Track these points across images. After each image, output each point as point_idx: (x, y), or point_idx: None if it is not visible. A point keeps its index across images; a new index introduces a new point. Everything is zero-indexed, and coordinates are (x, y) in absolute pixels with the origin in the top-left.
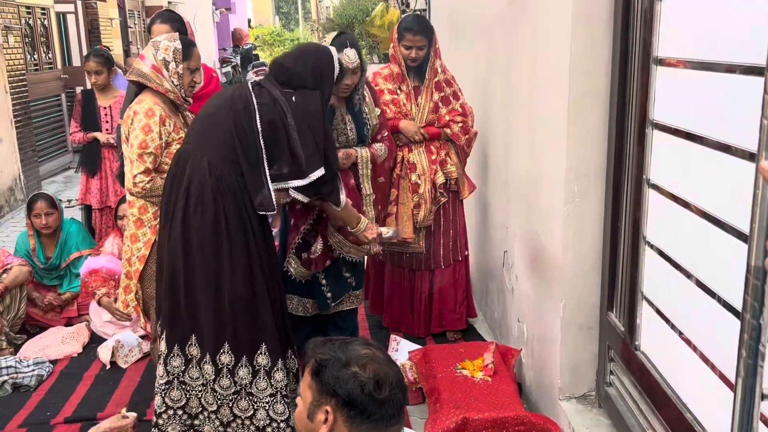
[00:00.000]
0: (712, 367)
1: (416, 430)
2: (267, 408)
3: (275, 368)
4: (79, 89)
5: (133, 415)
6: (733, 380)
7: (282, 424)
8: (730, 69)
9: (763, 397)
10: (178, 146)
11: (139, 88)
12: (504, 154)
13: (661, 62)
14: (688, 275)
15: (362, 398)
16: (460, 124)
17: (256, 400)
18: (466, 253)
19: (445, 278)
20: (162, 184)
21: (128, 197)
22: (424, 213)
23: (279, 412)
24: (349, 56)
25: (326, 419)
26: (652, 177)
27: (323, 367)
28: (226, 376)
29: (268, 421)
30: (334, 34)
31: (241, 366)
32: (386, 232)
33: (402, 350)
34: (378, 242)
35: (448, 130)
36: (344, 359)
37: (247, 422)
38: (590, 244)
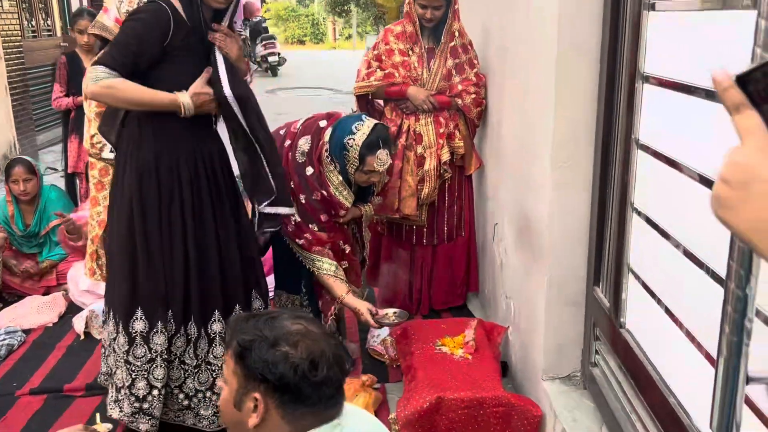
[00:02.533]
0: (698, 347)
1: (393, 409)
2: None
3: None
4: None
5: (105, 427)
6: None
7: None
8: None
9: (748, 380)
10: None
11: (103, 42)
12: (497, 124)
13: (653, 7)
14: (677, 244)
15: (296, 381)
16: (473, 96)
17: (215, 368)
18: (471, 229)
19: (447, 254)
20: None
21: (89, 159)
22: (428, 190)
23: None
24: (381, 159)
25: (256, 407)
26: (642, 137)
27: (247, 350)
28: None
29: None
30: (366, 125)
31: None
32: (390, 316)
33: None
34: (376, 325)
35: (459, 101)
36: (271, 338)
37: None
38: (577, 214)
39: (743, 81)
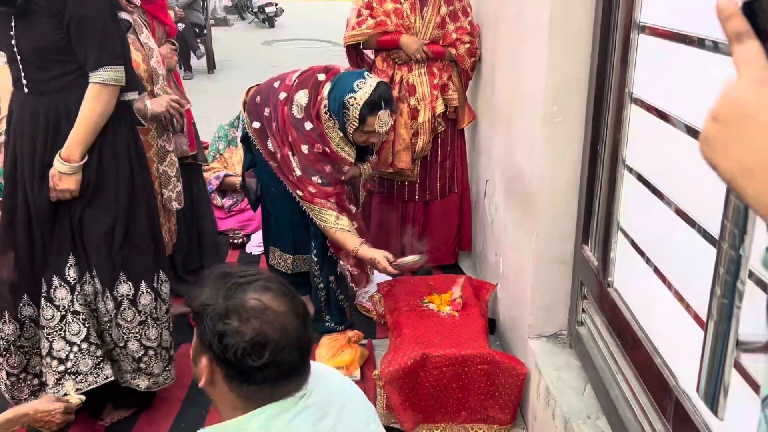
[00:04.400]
0: (687, 308)
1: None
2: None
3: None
4: None
5: (77, 399)
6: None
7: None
8: None
9: (738, 343)
10: None
11: None
12: (490, 76)
13: None
14: (669, 203)
15: (237, 360)
16: (468, 45)
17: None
18: (463, 185)
19: (439, 211)
20: None
21: None
22: (423, 143)
23: (152, 337)
24: (383, 120)
25: (207, 369)
26: (636, 90)
27: (199, 314)
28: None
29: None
30: (368, 83)
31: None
32: (407, 261)
33: (374, 281)
34: (399, 269)
35: (453, 51)
36: (223, 309)
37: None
38: (568, 170)
39: (750, 10)
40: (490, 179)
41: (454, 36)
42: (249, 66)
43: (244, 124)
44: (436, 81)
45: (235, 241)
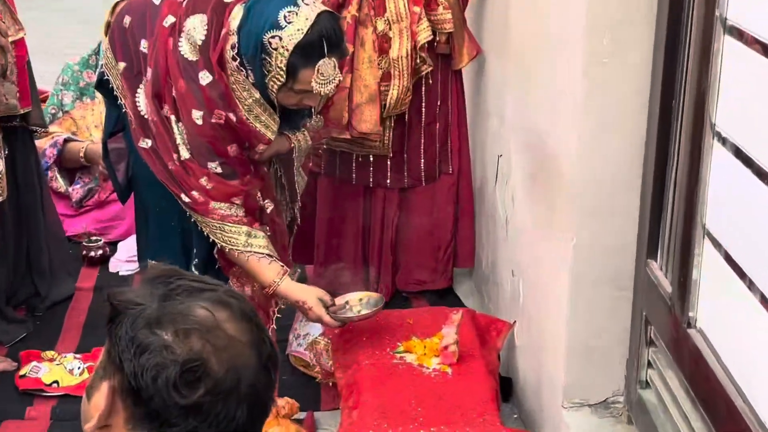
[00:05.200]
0: None
1: None
2: None
3: None
4: None
5: None
6: None
7: None
8: None
9: None
10: None
11: None
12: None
13: None
14: None
15: (154, 391)
16: None
17: None
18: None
19: (424, 204)
20: None
21: None
22: (398, 92)
23: None
24: (325, 75)
25: (106, 400)
26: (731, 13)
27: (118, 317)
28: None
29: None
30: (302, 13)
31: None
32: (354, 304)
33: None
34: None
35: None
36: (157, 312)
37: None
38: (624, 143)
39: None
40: (504, 154)
41: None
42: None
43: (102, 62)
44: None
45: (92, 253)
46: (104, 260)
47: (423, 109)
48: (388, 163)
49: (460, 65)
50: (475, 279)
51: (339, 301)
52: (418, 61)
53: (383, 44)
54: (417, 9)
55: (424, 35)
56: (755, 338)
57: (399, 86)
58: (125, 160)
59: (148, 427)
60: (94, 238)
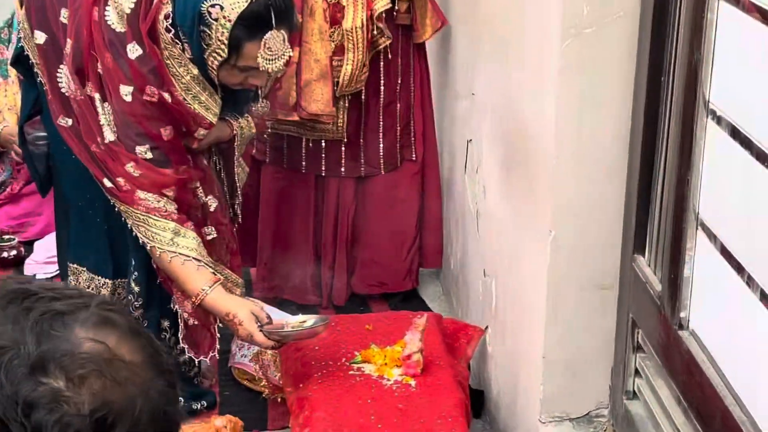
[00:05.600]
0: None
1: None
2: None
3: None
4: None
5: None
6: None
7: None
8: None
9: None
10: None
11: None
12: None
13: None
14: None
15: None
16: None
17: None
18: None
19: (384, 195)
20: None
21: None
22: (353, 67)
23: None
24: (273, 50)
25: None
26: None
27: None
28: None
29: None
30: None
31: None
32: (292, 324)
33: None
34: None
35: None
36: (36, 357)
37: None
38: (608, 124)
39: None
40: (474, 139)
41: None
42: None
43: (19, 35)
44: None
45: (4, 254)
46: (18, 262)
47: (381, 88)
48: (343, 148)
49: (423, 38)
50: (442, 280)
51: (277, 320)
52: (375, 32)
53: (335, 14)
54: None
55: (382, 3)
56: (754, 340)
57: (354, 61)
58: (45, 148)
59: None
60: (6, 237)
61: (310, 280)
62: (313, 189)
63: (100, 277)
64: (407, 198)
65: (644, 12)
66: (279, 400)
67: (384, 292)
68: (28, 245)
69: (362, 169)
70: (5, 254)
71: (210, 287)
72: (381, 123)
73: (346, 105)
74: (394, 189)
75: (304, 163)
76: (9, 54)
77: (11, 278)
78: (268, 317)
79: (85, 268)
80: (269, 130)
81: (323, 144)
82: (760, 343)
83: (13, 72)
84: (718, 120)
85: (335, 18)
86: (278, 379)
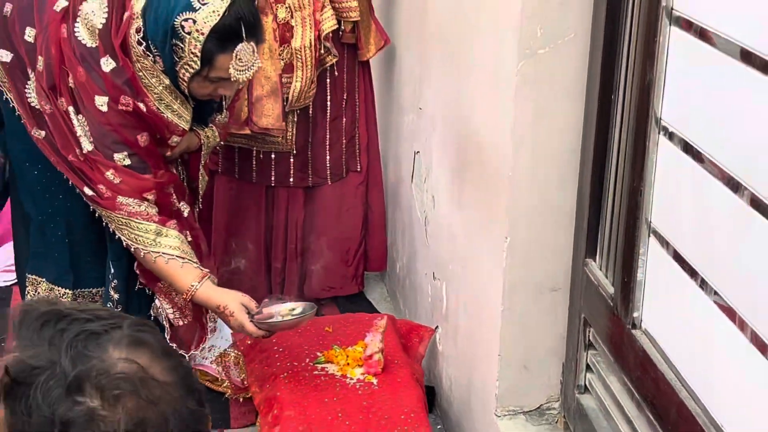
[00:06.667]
0: None
1: None
2: None
3: None
4: None
5: None
6: None
7: None
8: None
9: None
10: None
11: None
12: None
13: None
14: (736, 187)
15: None
16: None
17: None
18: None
19: (331, 204)
20: None
21: None
22: (302, 84)
23: None
24: (243, 61)
25: None
26: (678, 4)
27: (22, 385)
28: None
29: None
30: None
31: None
32: (283, 313)
33: (224, 329)
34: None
35: None
36: (73, 377)
37: None
38: (561, 137)
39: None
40: (422, 150)
41: None
42: None
43: None
44: None
45: None
46: None
47: (328, 103)
48: (291, 160)
49: (368, 56)
50: (387, 283)
51: (267, 309)
52: (322, 51)
53: (285, 33)
54: None
55: (329, 24)
56: (708, 338)
57: (302, 78)
58: (2, 162)
59: None
60: None
61: (263, 285)
62: (264, 198)
63: (60, 288)
64: (352, 206)
65: (595, 34)
66: (241, 400)
67: (333, 296)
68: None
69: (310, 179)
70: None
71: (199, 282)
72: (328, 136)
73: (295, 119)
74: (340, 198)
75: (254, 173)
76: None
77: (42, 300)
78: (258, 307)
79: (44, 279)
80: (219, 146)
81: (273, 156)
82: (713, 340)
83: None
84: (670, 136)
85: (284, 37)
86: (241, 380)
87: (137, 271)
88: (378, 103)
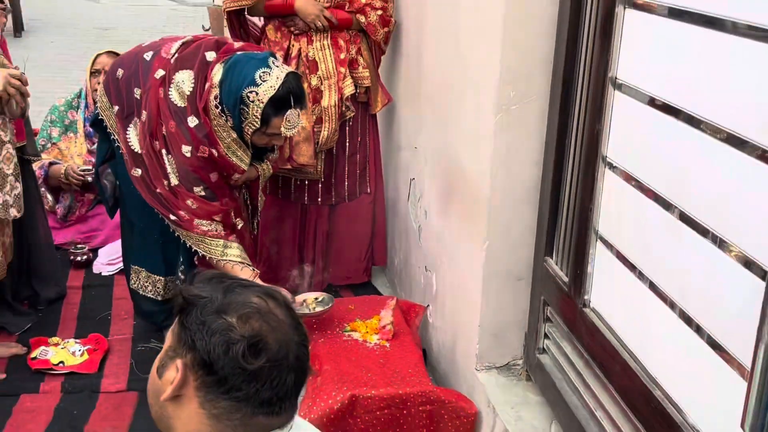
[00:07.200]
0: (698, 330)
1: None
2: None
3: None
4: None
5: None
6: (725, 345)
7: None
8: None
9: None
10: None
11: None
12: (414, 50)
13: None
14: (668, 206)
15: (225, 362)
16: (380, 12)
17: None
18: (377, 185)
19: (348, 216)
20: None
21: None
22: (328, 132)
23: None
24: (291, 122)
25: (174, 379)
26: (621, 75)
27: (192, 306)
28: None
29: None
30: (274, 74)
31: None
32: (310, 302)
33: None
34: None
35: (362, 18)
36: (221, 303)
37: None
38: (527, 169)
39: None
40: (417, 178)
41: (363, 0)
42: (69, 28)
43: (96, 105)
44: (342, 56)
45: (78, 257)
46: (88, 264)
47: (347, 144)
48: (320, 185)
49: (376, 110)
50: (387, 274)
51: (298, 299)
52: (343, 108)
53: (316, 96)
54: (342, 69)
55: (349, 89)
56: (644, 314)
57: (328, 129)
58: (111, 184)
59: (217, 392)
60: (79, 246)
61: (297, 275)
62: (299, 213)
63: (155, 275)
64: (363, 219)
65: (553, 97)
66: None
67: (349, 283)
68: (94, 251)
69: (333, 199)
70: (79, 258)
71: (252, 280)
72: (347, 168)
73: (323, 156)
74: (354, 213)
75: (292, 195)
76: (78, 117)
77: (212, 272)
78: (293, 298)
79: (144, 269)
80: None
81: (306, 182)
82: (649, 315)
83: (80, 129)
84: (613, 168)
85: (316, 99)
86: None
87: (196, 263)
88: (382, 144)
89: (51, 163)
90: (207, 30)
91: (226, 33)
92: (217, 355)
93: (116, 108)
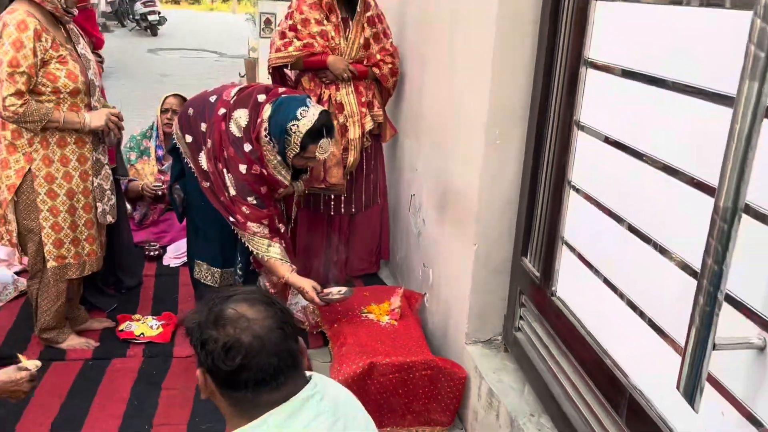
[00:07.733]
0: (641, 315)
1: (319, 373)
2: None
3: None
4: None
5: (33, 364)
6: (662, 326)
7: None
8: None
9: (715, 346)
10: (59, 65)
11: None
12: (416, 94)
13: None
14: (619, 219)
15: (216, 367)
16: (390, 65)
17: None
18: (384, 197)
19: (363, 222)
20: (39, 108)
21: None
22: (353, 158)
23: None
24: (323, 148)
25: (201, 379)
26: (583, 119)
27: (191, 329)
28: None
29: None
30: (311, 111)
31: None
32: (334, 293)
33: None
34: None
35: (377, 71)
36: (206, 319)
37: None
38: (507, 189)
39: None
40: (417, 194)
41: (378, 57)
42: (137, 74)
43: (174, 137)
44: (363, 99)
45: (151, 253)
46: (159, 257)
47: (364, 167)
48: (343, 199)
49: (385, 140)
50: (390, 268)
51: (326, 289)
52: (364, 139)
53: (343, 130)
54: (364, 109)
55: (370, 125)
56: (599, 302)
57: (353, 155)
58: (180, 198)
59: (225, 387)
60: (152, 243)
61: (324, 269)
62: (326, 222)
63: (214, 268)
64: (374, 224)
65: (529, 134)
66: (315, 333)
67: (362, 273)
68: (164, 248)
69: (353, 209)
70: (152, 253)
71: (289, 273)
72: (363, 186)
73: (348, 177)
74: (368, 220)
75: (321, 208)
76: (151, 144)
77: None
78: (321, 288)
79: (204, 263)
80: (306, 191)
81: (332, 197)
82: (603, 303)
83: (152, 153)
84: (577, 190)
85: (343, 132)
86: (315, 322)
87: (252, 260)
88: (387, 166)
89: (130, 180)
90: (243, 77)
91: (257, 80)
92: (210, 363)
93: (188, 137)
